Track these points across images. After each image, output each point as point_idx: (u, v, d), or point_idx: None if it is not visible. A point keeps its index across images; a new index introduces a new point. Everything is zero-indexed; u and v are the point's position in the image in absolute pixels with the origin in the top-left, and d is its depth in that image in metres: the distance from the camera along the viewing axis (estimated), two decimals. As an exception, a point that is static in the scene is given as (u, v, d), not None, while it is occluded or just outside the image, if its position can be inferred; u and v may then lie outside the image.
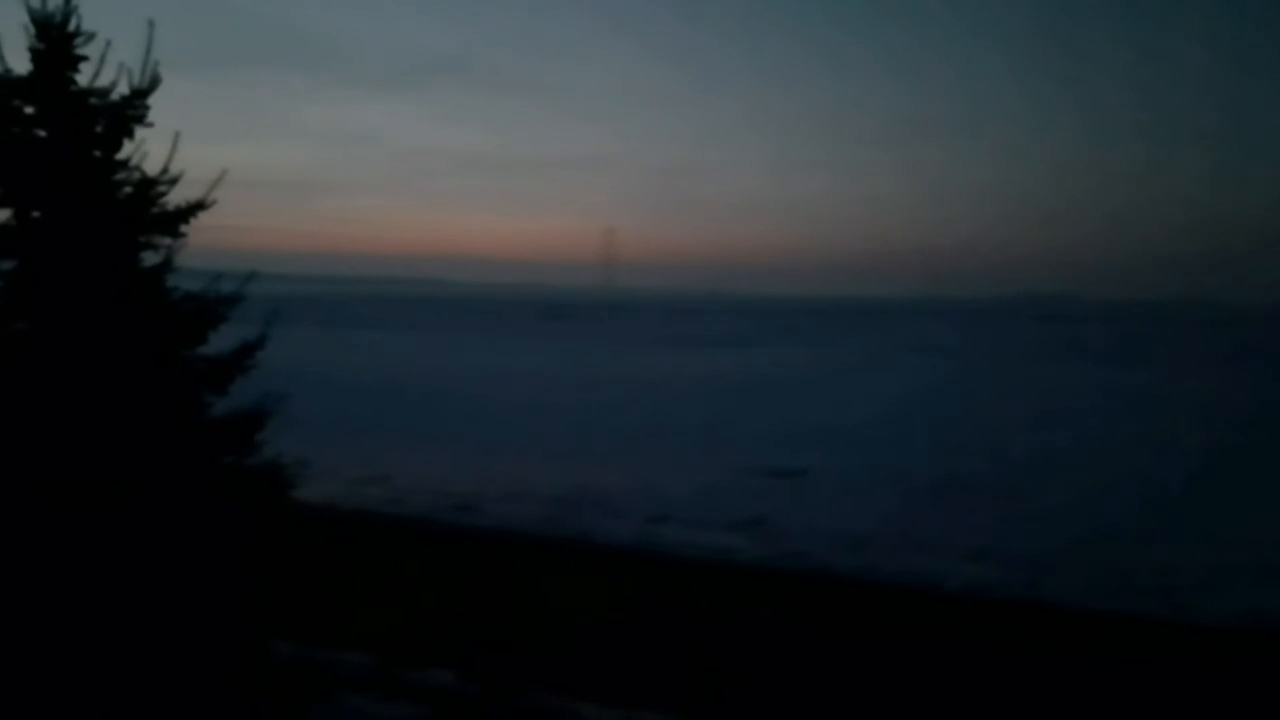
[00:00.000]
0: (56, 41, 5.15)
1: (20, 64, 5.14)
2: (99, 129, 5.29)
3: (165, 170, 5.42)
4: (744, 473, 17.77)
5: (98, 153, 5.32)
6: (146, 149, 5.43)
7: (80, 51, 5.22)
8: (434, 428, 22.46)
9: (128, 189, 5.38)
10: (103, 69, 5.24)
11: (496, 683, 7.64)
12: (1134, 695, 8.47)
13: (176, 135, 5.39)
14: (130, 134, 5.37)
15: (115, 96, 5.28)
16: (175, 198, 5.48)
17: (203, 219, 5.58)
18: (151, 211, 5.41)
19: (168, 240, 5.51)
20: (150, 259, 5.50)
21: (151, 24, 5.24)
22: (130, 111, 5.32)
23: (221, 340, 5.67)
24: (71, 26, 5.18)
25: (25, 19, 5.11)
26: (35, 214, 5.21)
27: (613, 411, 25.99)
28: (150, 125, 5.40)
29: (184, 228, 5.52)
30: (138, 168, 5.39)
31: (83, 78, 5.25)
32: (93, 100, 5.26)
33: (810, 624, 9.99)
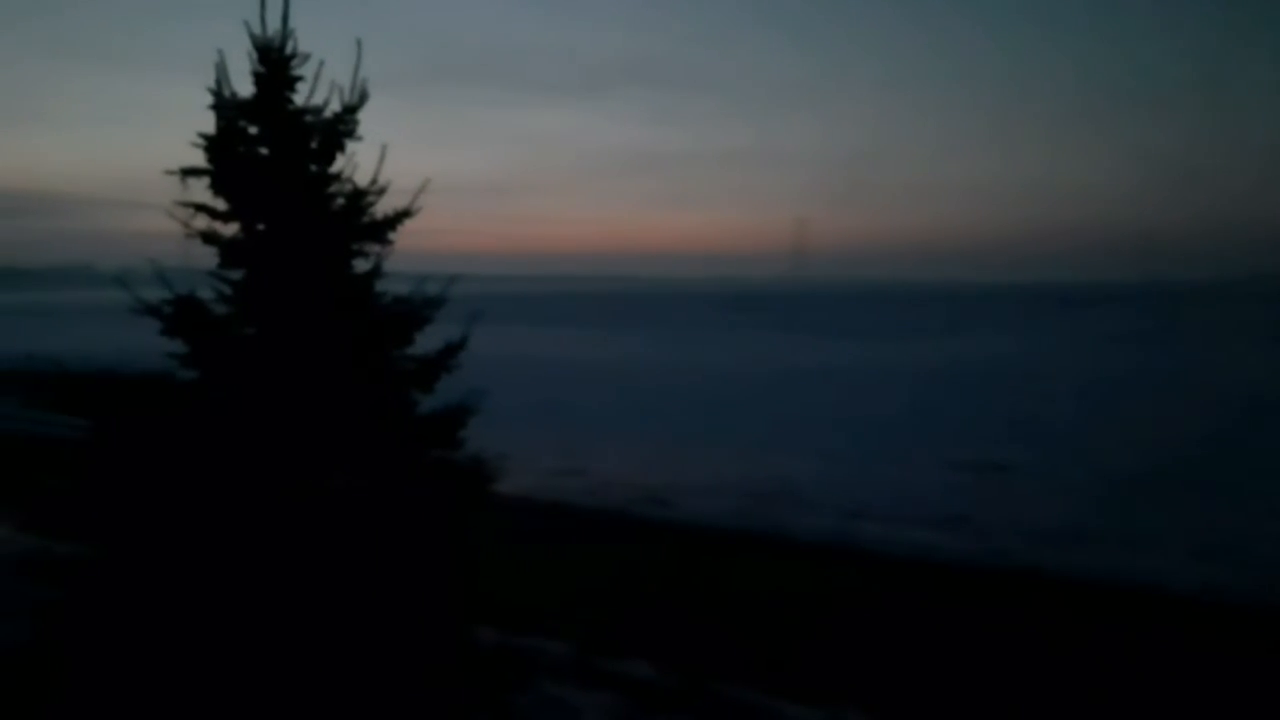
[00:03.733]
0: (275, 64, 5.48)
1: (243, 87, 5.50)
2: (314, 144, 5.59)
3: (374, 181, 5.68)
4: (943, 467, 17.18)
5: (313, 167, 5.62)
6: (357, 161, 5.71)
7: (296, 72, 5.53)
8: (628, 421, 22.81)
9: (340, 200, 5.67)
10: (316, 87, 5.54)
11: (696, 675, 7.67)
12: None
13: (384, 147, 5.64)
14: (342, 148, 5.65)
15: (328, 113, 5.57)
16: (383, 207, 5.74)
17: (406, 225, 5.83)
18: (362, 221, 5.68)
19: (377, 247, 5.77)
20: (361, 266, 5.78)
21: (359, 42, 5.51)
22: (341, 127, 5.60)
23: (426, 340, 5.90)
24: (288, 50, 5.50)
25: (248, 45, 5.46)
26: (260, 227, 5.57)
27: (806, 404, 25.69)
28: (360, 139, 5.68)
29: (391, 235, 5.77)
30: (349, 179, 5.67)
31: (299, 97, 5.56)
32: (308, 118, 5.56)
33: (1032, 627, 9.49)
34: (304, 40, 5.52)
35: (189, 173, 5.43)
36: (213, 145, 5.45)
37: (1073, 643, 8.98)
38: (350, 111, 5.61)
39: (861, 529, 12.97)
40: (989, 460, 17.54)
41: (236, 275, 5.57)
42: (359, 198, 5.67)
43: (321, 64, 5.51)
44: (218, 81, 5.42)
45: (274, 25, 5.44)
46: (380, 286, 5.82)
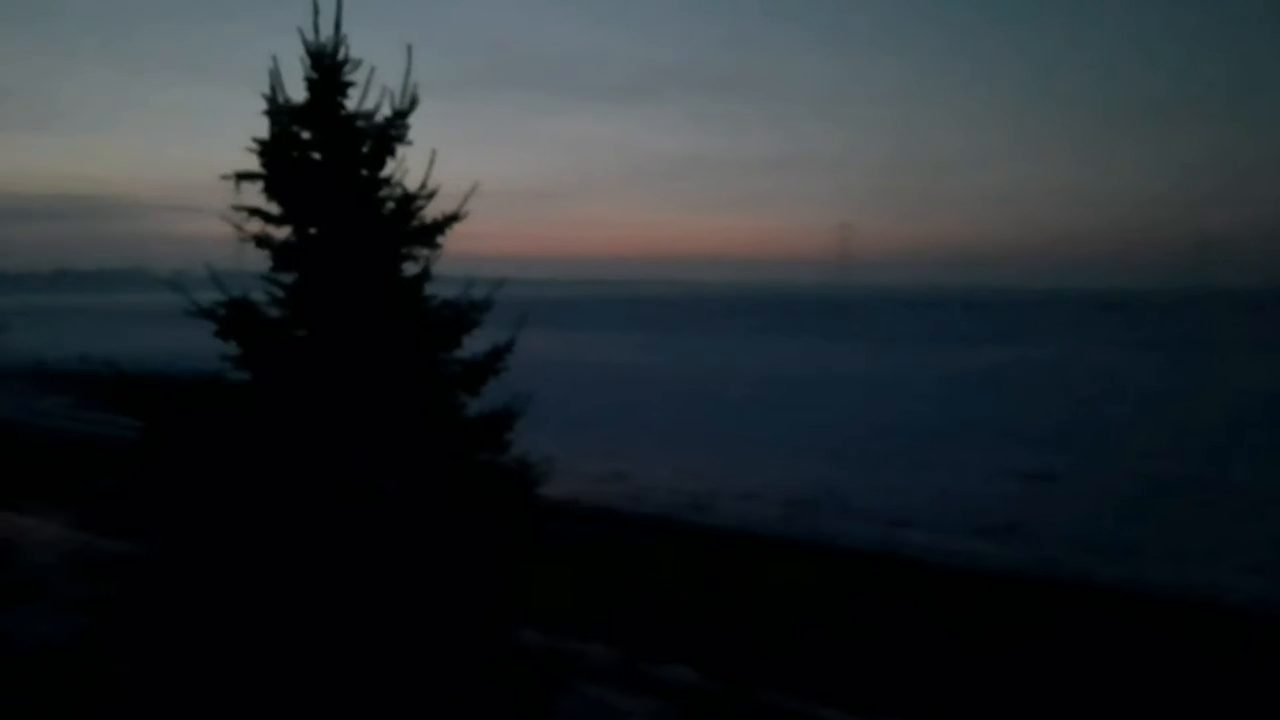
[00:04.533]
0: (328, 70, 5.54)
1: (296, 93, 5.56)
2: (365, 149, 5.64)
3: (423, 185, 5.72)
4: (990, 475, 16.95)
5: (364, 171, 5.67)
6: (407, 166, 5.75)
7: (348, 78, 5.59)
8: (671, 426, 22.77)
9: (390, 204, 5.71)
10: (368, 93, 5.59)
11: (739, 682, 7.63)
12: None
13: (433, 152, 5.67)
14: (392, 152, 5.69)
15: (379, 118, 5.62)
16: (432, 211, 5.78)
17: (455, 229, 5.85)
18: (412, 224, 5.72)
19: (426, 251, 5.81)
20: (410, 269, 5.82)
21: (410, 48, 5.55)
22: (392, 131, 5.65)
23: (473, 343, 5.92)
24: (341, 56, 5.55)
25: (301, 51, 5.53)
26: (312, 230, 5.63)
27: (851, 410, 25.49)
28: (410, 143, 5.72)
29: (440, 239, 5.81)
30: (399, 184, 5.71)
31: (350, 102, 5.62)
32: (359, 123, 5.61)
33: (1090, 641, 9.32)
34: (355, 47, 5.58)
35: (243, 177, 5.50)
36: (266, 150, 5.52)
37: (1123, 655, 8.83)
38: (401, 116, 5.65)
39: (907, 537, 12.84)
40: (1037, 469, 17.29)
41: (289, 278, 5.64)
42: (409, 202, 5.71)
43: (373, 70, 5.56)
44: (272, 87, 5.48)
45: (326, 32, 5.50)
46: (429, 290, 5.86)
